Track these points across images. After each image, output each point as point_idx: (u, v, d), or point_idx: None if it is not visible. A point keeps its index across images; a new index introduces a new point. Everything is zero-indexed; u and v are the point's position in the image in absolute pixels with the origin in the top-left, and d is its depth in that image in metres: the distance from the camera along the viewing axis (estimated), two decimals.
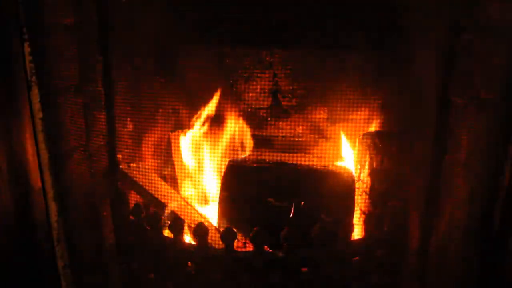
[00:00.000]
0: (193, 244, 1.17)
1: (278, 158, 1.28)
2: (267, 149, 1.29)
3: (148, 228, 1.22)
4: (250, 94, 1.32)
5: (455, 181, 1.13)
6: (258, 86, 1.32)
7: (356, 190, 1.28)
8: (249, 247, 1.22)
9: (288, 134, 1.33)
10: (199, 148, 1.33)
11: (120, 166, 1.26)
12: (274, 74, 1.31)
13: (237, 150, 1.32)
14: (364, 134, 1.31)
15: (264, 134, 1.38)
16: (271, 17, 1.11)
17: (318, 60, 1.27)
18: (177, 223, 1.17)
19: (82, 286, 1.34)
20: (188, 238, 1.24)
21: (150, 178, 1.33)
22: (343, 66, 1.27)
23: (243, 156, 1.33)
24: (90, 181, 1.30)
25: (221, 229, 1.22)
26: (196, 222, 1.20)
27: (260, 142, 1.35)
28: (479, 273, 1.14)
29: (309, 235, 1.12)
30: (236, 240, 1.14)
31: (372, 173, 1.29)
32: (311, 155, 1.28)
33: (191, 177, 1.36)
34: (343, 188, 1.24)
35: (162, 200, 1.34)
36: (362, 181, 1.34)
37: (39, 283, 1.29)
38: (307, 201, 1.19)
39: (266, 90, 1.33)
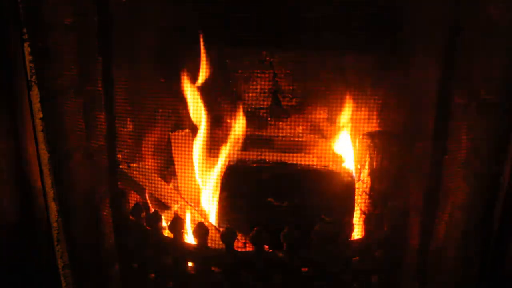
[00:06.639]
0: (193, 244, 1.17)
1: (278, 158, 1.28)
2: (267, 149, 1.29)
3: (148, 228, 1.22)
4: (250, 94, 1.31)
5: (455, 181, 1.13)
6: (258, 86, 1.31)
7: (356, 190, 1.28)
8: (249, 247, 1.22)
9: (288, 134, 1.33)
10: (199, 148, 1.33)
11: (120, 166, 1.26)
12: (274, 74, 1.31)
13: (237, 150, 1.32)
14: (364, 134, 1.31)
15: (264, 134, 1.38)
16: (272, 18, 1.11)
17: (318, 60, 1.27)
18: (177, 223, 1.17)
19: (82, 286, 1.34)
20: (188, 238, 1.24)
21: (150, 178, 1.33)
22: (343, 66, 1.27)
23: (243, 156, 1.33)
24: (90, 181, 1.30)
25: (221, 229, 1.22)
26: (196, 222, 1.20)
27: (260, 142, 1.34)
28: (479, 273, 1.14)
29: (309, 235, 1.12)
30: (236, 240, 1.14)
31: (372, 173, 1.29)
32: (311, 155, 1.28)
33: (191, 177, 1.36)
34: (343, 188, 1.24)
35: (162, 200, 1.34)
36: (362, 181, 1.33)
37: (39, 283, 1.30)
38: (307, 201, 1.19)
39: (266, 90, 1.33)
